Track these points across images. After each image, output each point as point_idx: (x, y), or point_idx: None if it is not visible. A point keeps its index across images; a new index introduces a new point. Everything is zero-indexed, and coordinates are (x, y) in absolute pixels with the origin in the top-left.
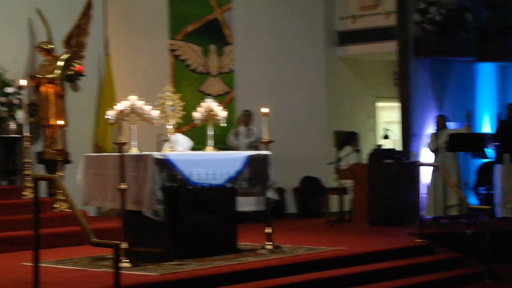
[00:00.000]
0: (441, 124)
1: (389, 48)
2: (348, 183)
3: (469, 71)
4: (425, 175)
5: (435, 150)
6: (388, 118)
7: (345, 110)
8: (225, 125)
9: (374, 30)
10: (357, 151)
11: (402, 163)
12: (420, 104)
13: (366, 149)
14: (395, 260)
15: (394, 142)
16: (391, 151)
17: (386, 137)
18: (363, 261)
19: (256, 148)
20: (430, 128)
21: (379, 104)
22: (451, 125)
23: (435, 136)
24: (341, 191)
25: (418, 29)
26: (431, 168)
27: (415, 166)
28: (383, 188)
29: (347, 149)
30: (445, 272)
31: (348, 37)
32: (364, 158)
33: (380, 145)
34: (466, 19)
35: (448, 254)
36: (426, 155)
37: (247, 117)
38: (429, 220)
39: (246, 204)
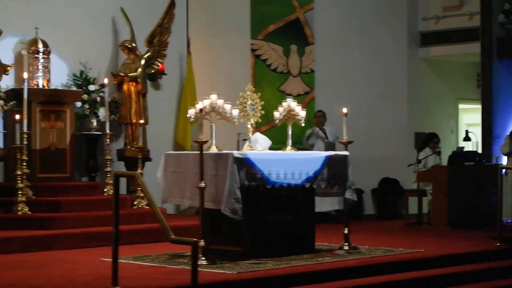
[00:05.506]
0: None
1: (472, 49)
2: (428, 185)
3: None
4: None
5: (508, 154)
6: (470, 120)
7: (426, 111)
8: (303, 125)
9: (457, 31)
10: (438, 153)
11: (483, 166)
12: (503, 106)
13: (446, 151)
14: (474, 264)
15: (475, 144)
16: (472, 153)
17: (467, 139)
18: (442, 264)
19: (332, 149)
20: None
21: (461, 106)
22: None
23: (510, 139)
24: (420, 193)
25: (502, 30)
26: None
27: (497, 169)
28: (463, 191)
29: (427, 151)
30: None
31: (430, 38)
32: (445, 160)
33: (461, 147)
34: None
35: None
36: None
37: (321, 118)
38: (509, 224)
39: (325, 204)
